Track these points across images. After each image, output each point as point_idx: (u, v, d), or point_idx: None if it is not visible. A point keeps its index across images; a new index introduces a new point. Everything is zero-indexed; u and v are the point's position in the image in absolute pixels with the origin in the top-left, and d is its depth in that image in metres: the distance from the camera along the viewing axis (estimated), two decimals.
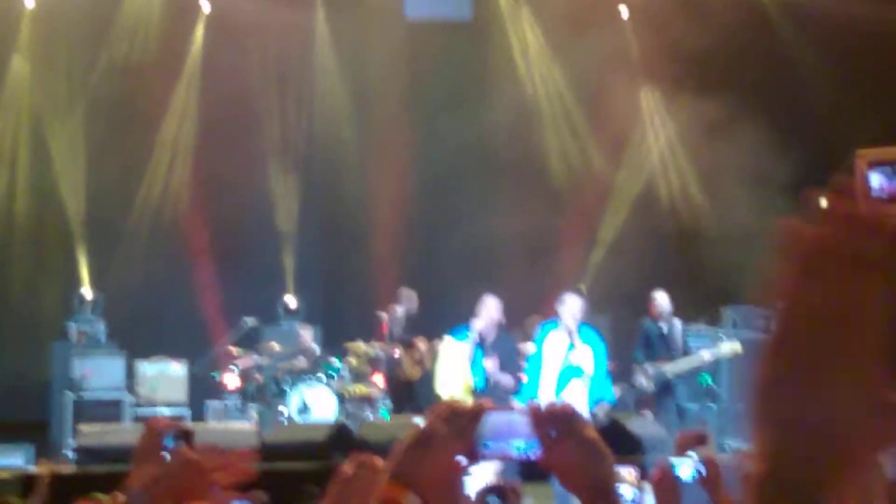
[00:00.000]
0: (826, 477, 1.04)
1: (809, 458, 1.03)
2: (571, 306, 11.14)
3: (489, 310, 11.77)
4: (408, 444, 2.20)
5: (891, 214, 1.08)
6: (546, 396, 10.86)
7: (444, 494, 2.21)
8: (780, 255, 1.09)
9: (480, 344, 11.65)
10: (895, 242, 1.07)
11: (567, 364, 11.00)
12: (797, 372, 1.05)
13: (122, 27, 17.86)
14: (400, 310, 14.12)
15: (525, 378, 11.59)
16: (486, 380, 11.55)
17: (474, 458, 2.22)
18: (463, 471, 2.23)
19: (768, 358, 1.07)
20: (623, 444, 10.41)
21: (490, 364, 11.48)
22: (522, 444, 2.23)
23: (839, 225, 1.08)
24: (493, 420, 2.23)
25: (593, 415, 10.91)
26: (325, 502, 2.85)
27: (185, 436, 3.39)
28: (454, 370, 11.83)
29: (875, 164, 1.46)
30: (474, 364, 11.61)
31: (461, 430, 2.17)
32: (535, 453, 2.22)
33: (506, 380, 11.45)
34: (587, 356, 11.03)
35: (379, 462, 2.71)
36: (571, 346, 11.04)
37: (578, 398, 10.88)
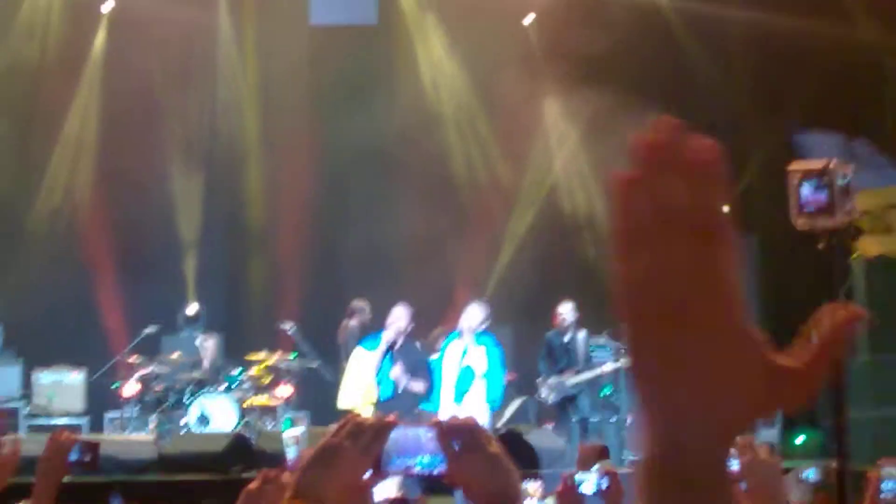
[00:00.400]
0: (715, 451, 0.98)
1: (697, 436, 0.96)
2: (472, 316, 11.23)
3: (399, 320, 11.66)
4: (312, 459, 2.17)
5: (701, 147, 0.99)
6: (446, 403, 10.89)
7: None
8: (612, 218, 0.98)
9: (389, 354, 11.58)
10: (699, 180, 0.97)
11: (462, 368, 11.07)
12: (664, 352, 0.96)
13: (22, 25, 17.56)
14: (354, 323, 13.87)
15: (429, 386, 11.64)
16: (394, 389, 11.49)
17: (379, 473, 2.20)
18: (368, 487, 2.22)
19: (633, 344, 0.97)
20: (521, 456, 10.43)
21: (397, 371, 11.43)
22: (427, 460, 2.21)
23: (649, 168, 0.98)
24: (398, 435, 2.21)
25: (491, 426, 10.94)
26: None
27: (91, 448, 3.35)
28: (359, 381, 11.76)
29: (805, 177, 1.47)
30: (382, 374, 11.54)
31: (366, 445, 2.15)
32: (439, 468, 2.21)
33: (416, 386, 11.43)
34: (480, 357, 11.11)
35: (285, 477, 2.69)
36: (465, 350, 11.13)
37: (477, 400, 10.94)
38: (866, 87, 16.36)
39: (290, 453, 8.43)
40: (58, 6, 17.70)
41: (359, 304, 13.92)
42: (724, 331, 0.96)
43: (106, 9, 17.93)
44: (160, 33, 17.24)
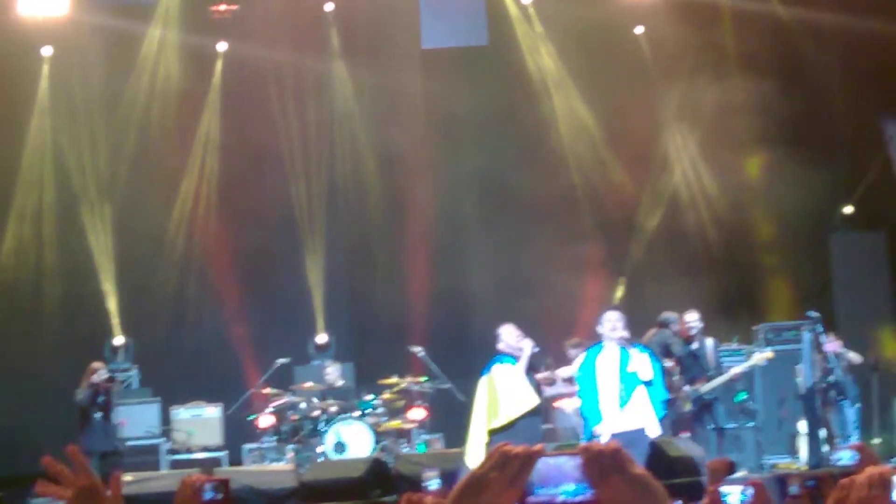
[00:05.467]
0: None
1: None
2: (613, 321, 10.97)
3: (508, 337, 11.58)
4: (460, 489, 2.20)
5: None
6: (609, 412, 10.70)
7: None
8: None
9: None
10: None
11: (625, 375, 10.85)
12: None
13: (140, 78, 17.99)
14: (667, 332, 13.88)
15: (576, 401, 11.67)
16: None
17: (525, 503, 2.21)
18: None
19: None
20: (674, 469, 10.22)
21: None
22: (571, 488, 2.22)
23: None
24: (541, 465, 2.22)
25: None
26: None
27: (222, 486, 3.44)
28: (513, 392, 11.60)
29: None
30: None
31: (513, 476, 2.17)
32: (584, 496, 2.21)
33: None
34: (644, 363, 10.88)
35: (428, 500, 2.72)
36: (625, 356, 10.86)
37: (643, 406, 10.74)
38: None
39: (432, 485, 8.49)
40: (175, 60, 18.09)
41: (669, 315, 13.89)
42: None
43: (221, 48, 18.30)
44: (275, 72, 17.56)
